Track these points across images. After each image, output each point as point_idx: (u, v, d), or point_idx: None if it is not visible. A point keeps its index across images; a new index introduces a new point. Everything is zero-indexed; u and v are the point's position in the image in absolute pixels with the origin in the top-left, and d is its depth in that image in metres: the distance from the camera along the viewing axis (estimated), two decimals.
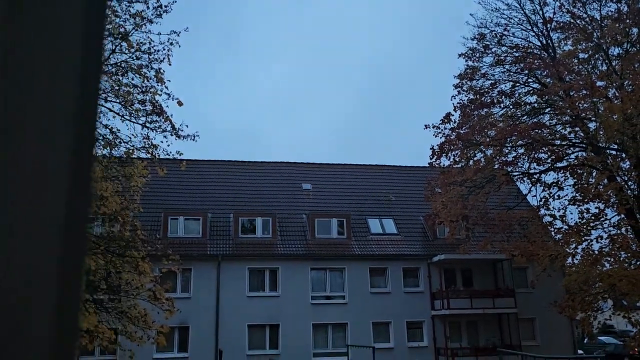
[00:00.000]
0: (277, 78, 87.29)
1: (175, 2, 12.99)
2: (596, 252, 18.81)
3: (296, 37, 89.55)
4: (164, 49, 13.04)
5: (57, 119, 0.61)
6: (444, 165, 20.71)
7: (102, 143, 13.44)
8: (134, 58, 13.00)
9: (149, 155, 13.86)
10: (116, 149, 13.55)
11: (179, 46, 13.21)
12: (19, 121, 0.60)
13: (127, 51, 12.82)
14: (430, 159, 20.62)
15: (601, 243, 18.92)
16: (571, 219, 20.25)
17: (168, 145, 13.82)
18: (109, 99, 13.02)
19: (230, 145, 77.41)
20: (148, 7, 12.74)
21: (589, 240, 18.91)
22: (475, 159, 20.76)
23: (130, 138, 13.49)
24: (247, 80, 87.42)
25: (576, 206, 19.31)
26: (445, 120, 20.70)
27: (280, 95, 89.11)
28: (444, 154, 20.41)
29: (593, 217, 18.97)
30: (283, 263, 25.78)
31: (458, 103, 21.16)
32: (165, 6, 12.82)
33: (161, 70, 13.20)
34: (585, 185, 19.55)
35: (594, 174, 19.72)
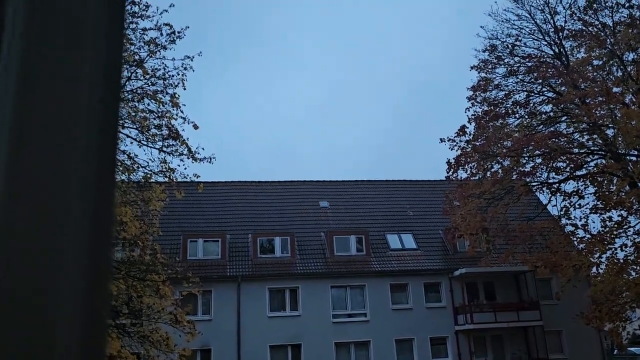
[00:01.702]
0: (311, 93, 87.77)
1: (188, 27, 13.24)
2: (621, 261, 18.42)
3: (329, 50, 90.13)
4: (178, 74, 13.26)
5: (79, 148, 0.63)
6: (461, 178, 20.57)
7: (121, 168, 13.62)
8: (150, 84, 13.22)
9: (166, 179, 14.00)
10: (134, 174, 13.72)
11: (193, 70, 13.42)
12: (43, 150, 0.61)
13: (142, 78, 13.05)
14: (447, 172, 20.50)
15: (626, 251, 18.55)
16: (593, 227, 19.86)
17: (185, 169, 13.94)
18: (126, 125, 13.23)
19: (264, 161, 77.63)
20: (162, 34, 12.99)
21: (613, 249, 18.55)
22: (492, 170, 20.60)
23: (147, 163, 13.66)
24: (280, 95, 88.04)
25: (598, 215, 18.98)
26: (461, 133, 20.61)
27: (313, 110, 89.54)
28: (460, 167, 20.29)
29: (616, 225, 18.61)
30: (303, 282, 25.68)
31: (472, 115, 21.10)
32: (178, 32, 13.06)
33: (176, 95, 13.39)
34: (607, 193, 19.23)
35: (614, 181, 19.41)
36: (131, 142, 13.54)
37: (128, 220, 12.84)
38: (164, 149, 13.60)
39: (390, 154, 78.77)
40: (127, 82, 13.08)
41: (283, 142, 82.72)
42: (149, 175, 13.78)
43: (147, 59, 13.03)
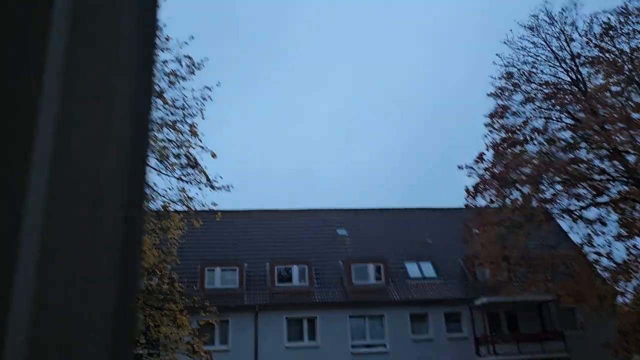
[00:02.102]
0: (333, 116, 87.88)
1: (208, 59, 13.53)
2: None
3: (352, 74, 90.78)
4: (197, 104, 13.51)
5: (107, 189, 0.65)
6: (480, 205, 20.38)
7: None
8: (169, 114, 13.49)
9: (184, 208, 14.12)
10: (153, 202, 13.87)
11: (211, 100, 13.66)
12: (77, 211, 0.63)
13: (162, 108, 13.32)
14: (466, 199, 20.37)
15: None
16: (618, 255, 19.39)
17: (203, 197, 14.06)
18: None
19: (285, 186, 77.43)
20: (182, 66, 13.30)
21: (639, 278, 18.07)
22: (511, 197, 20.38)
23: (166, 191, 13.82)
24: (303, 118, 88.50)
25: (622, 242, 18.58)
26: (479, 160, 20.54)
27: (334, 133, 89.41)
28: (479, 194, 20.13)
29: None
30: (321, 312, 25.39)
31: (490, 142, 21.03)
32: (198, 63, 13.35)
33: (195, 124, 13.63)
34: (630, 220, 18.85)
35: (638, 207, 19.04)
36: (150, 171, 13.75)
37: (146, 249, 12.94)
38: (183, 177, 13.79)
39: (414, 180, 78.15)
40: None
41: (304, 166, 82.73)
42: (167, 204, 13.92)
43: (167, 89, 13.33)
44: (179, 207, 14.28)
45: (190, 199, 14.03)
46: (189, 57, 13.26)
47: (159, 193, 13.89)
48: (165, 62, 13.14)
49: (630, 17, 19.76)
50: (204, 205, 14.12)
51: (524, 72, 21.66)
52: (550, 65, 21.84)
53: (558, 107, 20.56)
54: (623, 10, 19.93)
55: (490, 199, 20.21)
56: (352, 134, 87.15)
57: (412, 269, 28.09)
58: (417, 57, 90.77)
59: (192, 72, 13.53)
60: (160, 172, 13.66)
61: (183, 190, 13.94)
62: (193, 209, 14.17)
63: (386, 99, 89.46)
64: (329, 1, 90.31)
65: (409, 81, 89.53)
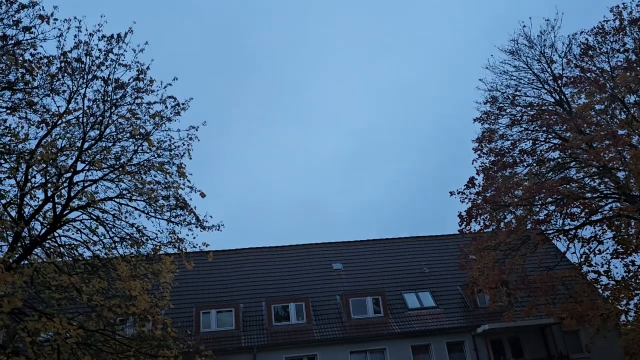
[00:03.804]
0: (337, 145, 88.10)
1: (192, 99, 13.47)
2: None
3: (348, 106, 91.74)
4: (184, 144, 13.39)
5: None
6: (474, 230, 20.21)
7: (130, 242, 13.52)
8: (156, 156, 13.34)
9: (176, 250, 13.83)
10: (143, 246, 13.58)
11: (198, 140, 13.54)
12: None
13: (148, 150, 13.18)
14: (459, 225, 20.18)
15: None
16: (617, 273, 19.17)
17: (194, 238, 13.77)
18: (133, 198, 13.24)
19: (288, 219, 76.97)
20: (166, 107, 13.23)
21: None
22: (505, 221, 20.25)
23: (156, 234, 13.55)
24: (300, 148, 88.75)
25: (620, 259, 18.42)
26: (470, 185, 20.46)
27: (338, 163, 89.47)
28: (472, 219, 19.98)
29: None
30: (321, 349, 24.80)
31: (480, 166, 21.01)
32: (183, 104, 13.29)
33: (182, 165, 13.48)
34: (626, 236, 18.75)
35: (632, 223, 18.97)
36: (139, 215, 13.51)
37: (138, 294, 12.59)
38: (172, 219, 13.54)
39: (406, 208, 77.82)
40: (134, 156, 13.21)
41: (306, 198, 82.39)
42: (158, 247, 13.64)
43: (152, 131, 13.22)
44: (170, 250, 13.99)
45: (181, 240, 13.76)
46: (173, 98, 13.20)
47: (148, 237, 13.63)
48: (149, 103, 13.07)
49: (607, 37, 20.12)
50: (195, 247, 13.83)
51: (508, 96, 21.88)
52: (533, 88, 22.09)
53: (544, 128, 20.68)
54: (599, 30, 20.32)
55: (484, 224, 20.06)
56: (356, 167, 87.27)
57: (411, 300, 27.70)
58: (407, 80, 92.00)
59: (178, 113, 13.46)
60: (149, 214, 13.42)
61: (173, 232, 13.69)
62: (184, 250, 13.88)
63: (390, 131, 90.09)
64: (339, 32, 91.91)
65: (412, 111, 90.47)
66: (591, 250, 19.09)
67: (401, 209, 79.07)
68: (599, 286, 19.18)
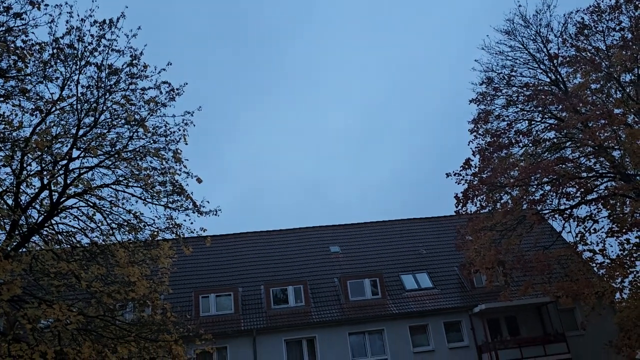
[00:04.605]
0: (341, 126, 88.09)
1: (187, 84, 13.39)
2: None
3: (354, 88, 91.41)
4: (180, 130, 13.33)
5: None
6: (470, 211, 20.31)
7: (127, 228, 13.54)
8: (152, 142, 13.28)
9: (173, 236, 13.86)
10: (141, 232, 13.60)
11: (194, 125, 13.48)
12: None
13: (144, 136, 13.12)
14: (456, 206, 20.27)
15: None
16: (612, 251, 19.45)
17: (191, 223, 13.78)
18: (130, 184, 13.22)
19: (293, 203, 77.26)
20: (161, 92, 13.14)
21: (635, 272, 18.02)
22: (502, 201, 20.35)
23: (154, 220, 13.56)
24: (309, 129, 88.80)
25: (615, 238, 18.56)
26: (466, 166, 20.51)
27: (344, 145, 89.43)
28: (469, 201, 20.06)
29: (634, 247, 18.17)
30: (319, 331, 25.04)
31: (476, 147, 21.05)
32: (177, 89, 13.20)
33: (178, 151, 13.43)
34: (621, 215, 18.87)
35: (627, 202, 19.07)
36: (136, 201, 13.50)
37: (136, 280, 12.65)
38: (169, 205, 13.53)
39: (406, 190, 77.94)
40: (129, 142, 13.16)
41: (312, 178, 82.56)
42: (155, 233, 13.65)
43: (147, 117, 13.15)
44: (168, 236, 14.01)
45: (179, 226, 13.78)
46: (168, 83, 13.11)
47: (146, 223, 13.64)
48: (144, 89, 12.98)
49: (603, 15, 20.02)
50: (192, 232, 13.86)
51: (504, 76, 21.82)
52: (529, 68, 22.04)
53: (540, 108, 20.67)
54: (595, 9, 20.21)
55: (481, 205, 20.16)
56: (358, 150, 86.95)
57: (408, 281, 27.90)
58: (423, 60, 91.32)
59: (172, 99, 13.37)
60: (146, 200, 13.41)
61: (171, 217, 13.70)
62: (182, 236, 13.91)
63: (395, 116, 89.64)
64: (347, 14, 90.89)
65: (407, 108, 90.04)
66: (586, 229, 19.21)
67: (408, 191, 79.16)
68: (594, 265, 19.35)
